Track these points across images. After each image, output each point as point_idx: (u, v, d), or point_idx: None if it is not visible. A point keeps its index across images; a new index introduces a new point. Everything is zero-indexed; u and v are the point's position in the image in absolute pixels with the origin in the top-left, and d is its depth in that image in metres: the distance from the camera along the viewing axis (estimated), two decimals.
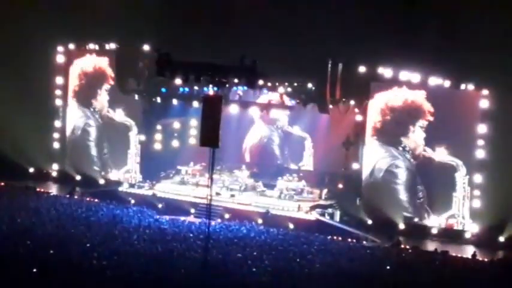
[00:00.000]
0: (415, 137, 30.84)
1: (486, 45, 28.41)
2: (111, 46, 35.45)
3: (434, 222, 30.61)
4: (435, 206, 30.63)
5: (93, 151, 36.57)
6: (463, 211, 30.35)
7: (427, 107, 30.48)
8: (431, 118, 30.45)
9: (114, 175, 36.13)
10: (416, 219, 30.82)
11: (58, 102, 36.71)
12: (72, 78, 36.39)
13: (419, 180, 30.79)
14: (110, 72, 35.75)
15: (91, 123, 36.52)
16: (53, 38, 35.03)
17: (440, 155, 30.49)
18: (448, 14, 30.33)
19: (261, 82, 31.12)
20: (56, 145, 36.93)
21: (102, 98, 36.17)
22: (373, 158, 31.44)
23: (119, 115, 36.05)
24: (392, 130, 31.02)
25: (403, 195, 31.08)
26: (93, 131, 36.56)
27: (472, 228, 30.24)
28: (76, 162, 36.76)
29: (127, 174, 36.03)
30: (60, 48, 36.21)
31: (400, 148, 31.07)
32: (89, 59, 36.12)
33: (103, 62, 35.87)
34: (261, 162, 37.50)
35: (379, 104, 31.18)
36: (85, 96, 36.43)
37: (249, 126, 37.74)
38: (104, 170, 36.32)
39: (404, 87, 30.89)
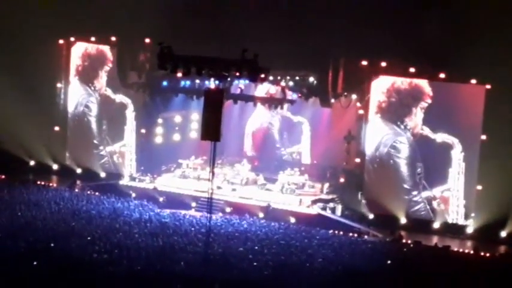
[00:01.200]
0: (416, 118, 31.31)
1: (488, 40, 28.41)
2: (113, 39, 35.42)
3: (429, 194, 31.18)
4: (431, 181, 31.20)
5: (94, 126, 36.78)
6: (457, 185, 30.85)
7: (428, 90, 31.00)
8: (430, 101, 30.98)
9: (110, 148, 36.41)
10: (415, 192, 31.19)
11: (59, 84, 36.89)
12: (75, 58, 36.56)
13: (418, 157, 31.25)
14: (109, 55, 35.91)
15: (92, 100, 36.78)
16: (54, 31, 34.93)
17: (437, 133, 30.98)
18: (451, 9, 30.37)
19: (262, 76, 30.99)
20: (57, 128, 36.99)
21: (102, 79, 36.38)
22: (379, 134, 31.76)
23: (116, 94, 36.29)
24: (397, 110, 31.52)
25: (404, 169, 31.48)
26: (94, 108, 36.85)
27: (471, 220, 30.57)
28: (77, 137, 37.00)
29: (123, 148, 36.17)
30: (61, 42, 36.19)
31: (402, 126, 31.38)
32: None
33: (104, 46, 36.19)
34: (263, 144, 37.88)
35: (385, 84, 31.45)
36: (87, 76, 36.67)
37: (250, 115, 37.76)
38: (102, 145, 36.50)
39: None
